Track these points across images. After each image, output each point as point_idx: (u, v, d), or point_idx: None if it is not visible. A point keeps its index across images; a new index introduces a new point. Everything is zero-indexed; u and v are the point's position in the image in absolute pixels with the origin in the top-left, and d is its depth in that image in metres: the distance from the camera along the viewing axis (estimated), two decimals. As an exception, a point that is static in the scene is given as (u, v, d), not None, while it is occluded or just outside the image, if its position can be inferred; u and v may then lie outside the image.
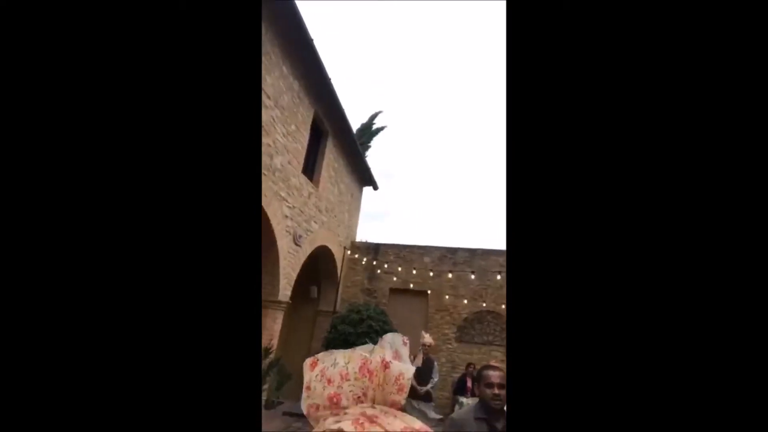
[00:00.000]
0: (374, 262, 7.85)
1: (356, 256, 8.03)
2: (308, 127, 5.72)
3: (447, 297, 7.48)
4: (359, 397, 0.43)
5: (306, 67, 5.32)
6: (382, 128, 12.98)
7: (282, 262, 5.25)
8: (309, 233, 6.08)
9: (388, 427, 0.38)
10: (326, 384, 0.44)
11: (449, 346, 7.35)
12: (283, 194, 5.14)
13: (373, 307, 5.96)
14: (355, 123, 7.10)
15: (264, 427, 4.80)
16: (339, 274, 7.57)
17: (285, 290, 5.43)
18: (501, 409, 1.66)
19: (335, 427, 0.39)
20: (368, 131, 12.52)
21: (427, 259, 7.86)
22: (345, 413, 0.41)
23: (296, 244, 5.63)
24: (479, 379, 1.79)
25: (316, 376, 0.45)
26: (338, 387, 0.43)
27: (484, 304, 7.24)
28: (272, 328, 5.16)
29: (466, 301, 7.35)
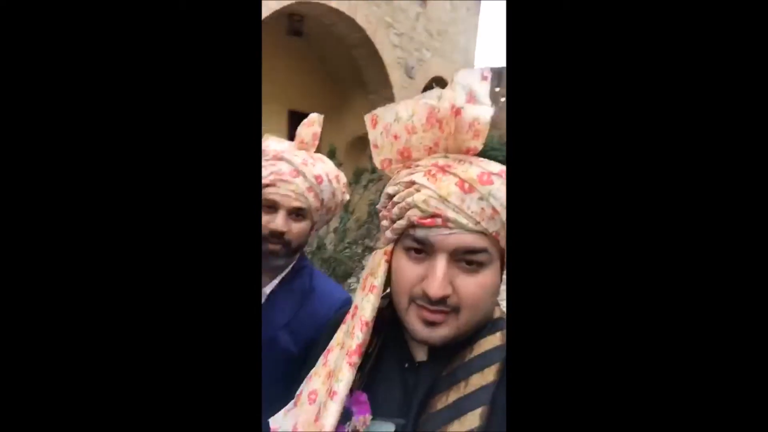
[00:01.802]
0: (497, 89, 7.06)
1: (476, 84, 7.33)
2: None
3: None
4: (431, 148, 0.40)
5: None
6: None
7: (396, 97, 5.21)
8: (421, 63, 5.64)
9: (462, 175, 0.36)
10: (393, 140, 0.41)
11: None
12: (388, 19, 4.66)
13: (496, 139, 5.69)
14: None
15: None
16: (457, 107, 7.21)
17: (403, 126, 5.57)
18: None
19: (407, 179, 0.38)
20: None
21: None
22: (417, 165, 0.40)
23: (409, 77, 5.39)
24: None
25: (381, 133, 0.42)
26: (406, 141, 0.40)
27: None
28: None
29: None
